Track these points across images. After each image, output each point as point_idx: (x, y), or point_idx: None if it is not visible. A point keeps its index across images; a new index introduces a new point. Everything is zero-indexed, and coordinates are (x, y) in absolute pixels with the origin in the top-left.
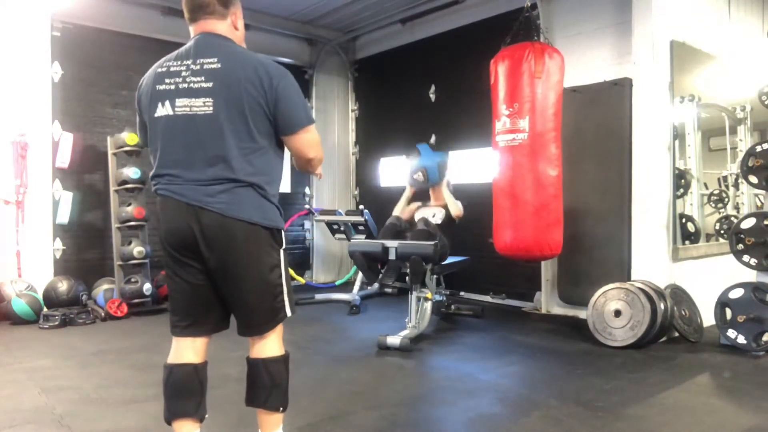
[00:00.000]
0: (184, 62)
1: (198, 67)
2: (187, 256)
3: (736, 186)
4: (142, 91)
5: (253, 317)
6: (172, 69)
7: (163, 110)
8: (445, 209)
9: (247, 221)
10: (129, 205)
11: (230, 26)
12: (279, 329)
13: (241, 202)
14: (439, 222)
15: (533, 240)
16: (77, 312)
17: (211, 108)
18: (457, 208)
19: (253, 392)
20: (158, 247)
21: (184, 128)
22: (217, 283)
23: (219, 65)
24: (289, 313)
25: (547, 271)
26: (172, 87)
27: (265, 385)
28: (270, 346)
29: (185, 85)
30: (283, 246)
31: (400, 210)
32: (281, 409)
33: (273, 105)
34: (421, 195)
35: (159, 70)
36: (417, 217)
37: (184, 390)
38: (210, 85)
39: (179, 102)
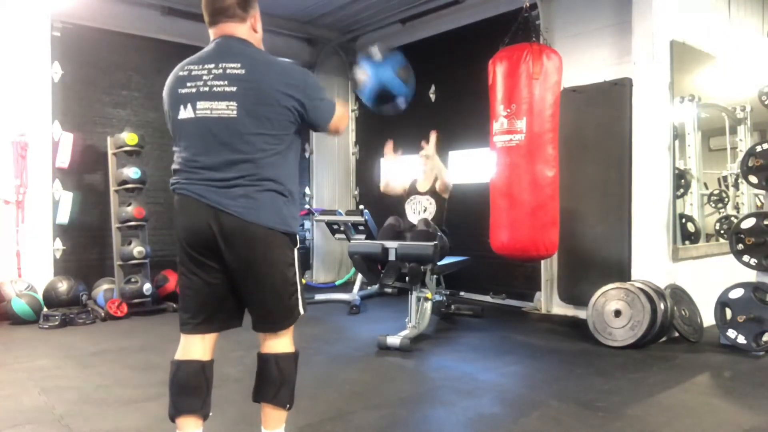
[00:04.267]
0: (206, 66)
1: (221, 71)
2: (205, 255)
3: (736, 186)
4: (165, 94)
5: (271, 315)
6: (193, 73)
7: (186, 113)
8: (434, 198)
9: (265, 226)
10: (129, 205)
11: (250, 29)
12: (291, 327)
13: (261, 206)
14: (433, 214)
15: (529, 240)
16: (77, 312)
17: (234, 111)
18: (446, 177)
19: (262, 387)
20: (158, 247)
21: (207, 131)
22: (236, 281)
23: (243, 71)
24: (302, 311)
25: (547, 271)
26: (194, 90)
27: (275, 381)
28: (282, 342)
29: (206, 89)
30: (297, 245)
31: (384, 184)
32: (288, 406)
33: (301, 109)
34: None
35: (180, 73)
36: (408, 210)
37: (191, 387)
38: (234, 89)
39: (200, 105)
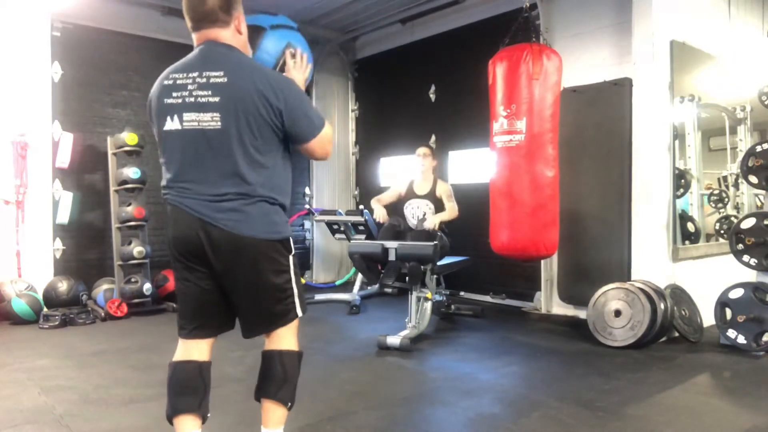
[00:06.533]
0: (190, 75)
1: (204, 80)
2: (195, 263)
3: (736, 186)
4: (151, 104)
5: (258, 321)
6: (178, 82)
7: (172, 124)
8: (432, 201)
9: (254, 237)
10: (129, 205)
11: (234, 32)
12: (294, 326)
13: (251, 219)
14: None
15: (529, 240)
16: (77, 312)
17: (219, 123)
18: (453, 210)
19: (264, 384)
20: (158, 247)
21: (194, 143)
22: (225, 289)
23: (225, 79)
24: (300, 313)
25: (547, 271)
26: (179, 101)
27: (278, 377)
28: (287, 340)
29: (192, 99)
30: (293, 252)
31: (377, 199)
32: (289, 404)
33: (281, 118)
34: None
35: (165, 82)
36: (407, 214)
37: (188, 387)
38: (217, 99)
39: (186, 116)
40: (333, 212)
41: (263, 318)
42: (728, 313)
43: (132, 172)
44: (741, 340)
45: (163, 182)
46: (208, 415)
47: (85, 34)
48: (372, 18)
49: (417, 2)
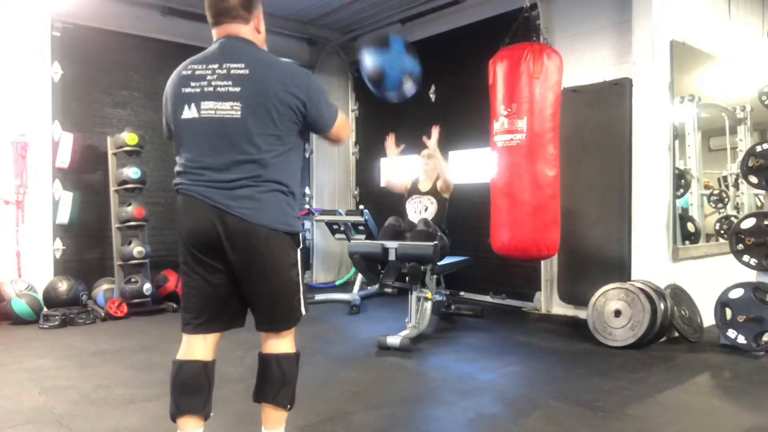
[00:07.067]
0: (210, 66)
1: (225, 71)
2: (209, 255)
3: (736, 186)
4: (168, 94)
5: (274, 315)
6: (197, 72)
7: (189, 113)
8: (436, 198)
9: (268, 227)
10: (129, 205)
11: (253, 29)
12: (293, 328)
13: (265, 207)
14: (434, 214)
15: (530, 240)
16: (77, 312)
17: (239, 112)
18: (448, 175)
19: (263, 387)
20: (158, 247)
21: (211, 131)
22: (239, 282)
23: (247, 71)
24: (303, 312)
25: (547, 271)
26: (198, 90)
27: (276, 381)
28: (284, 343)
29: (210, 89)
30: (300, 246)
31: (386, 181)
32: (289, 406)
33: (303, 109)
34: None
35: (184, 72)
36: (409, 209)
37: (193, 387)
38: (238, 89)
39: (204, 105)
40: (333, 212)
41: (277, 313)
42: (728, 313)
43: (132, 172)
44: (741, 340)
45: (177, 169)
46: (211, 413)
47: (85, 34)
48: (372, 18)
49: (417, 2)
